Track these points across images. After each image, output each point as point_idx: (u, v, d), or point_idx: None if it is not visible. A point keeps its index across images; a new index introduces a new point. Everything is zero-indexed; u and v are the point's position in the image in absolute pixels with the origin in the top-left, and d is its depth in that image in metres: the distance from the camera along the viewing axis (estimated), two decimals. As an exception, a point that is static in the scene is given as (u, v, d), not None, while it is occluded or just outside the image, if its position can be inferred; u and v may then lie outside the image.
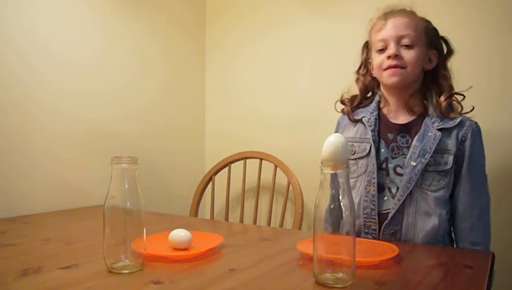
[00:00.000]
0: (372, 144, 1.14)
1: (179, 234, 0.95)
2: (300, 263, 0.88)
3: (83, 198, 1.56)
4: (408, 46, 1.10)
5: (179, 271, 0.84)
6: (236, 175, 1.86)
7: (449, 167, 1.08)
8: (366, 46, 1.24)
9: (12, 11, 1.38)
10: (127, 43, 1.79)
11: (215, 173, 1.90)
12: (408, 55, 1.10)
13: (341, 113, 1.28)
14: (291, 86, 1.92)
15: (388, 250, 0.92)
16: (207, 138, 2.19)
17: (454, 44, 1.18)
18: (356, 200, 1.14)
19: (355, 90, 1.26)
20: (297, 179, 1.71)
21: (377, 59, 1.14)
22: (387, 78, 1.13)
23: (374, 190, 1.12)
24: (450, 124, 1.10)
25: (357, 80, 1.26)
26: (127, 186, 0.82)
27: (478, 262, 0.89)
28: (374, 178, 1.12)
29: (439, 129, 1.09)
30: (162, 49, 1.95)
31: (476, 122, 1.12)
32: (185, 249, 0.94)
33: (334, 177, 0.74)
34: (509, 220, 1.45)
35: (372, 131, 1.15)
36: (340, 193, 0.74)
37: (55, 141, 1.50)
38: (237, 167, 1.87)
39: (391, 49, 1.10)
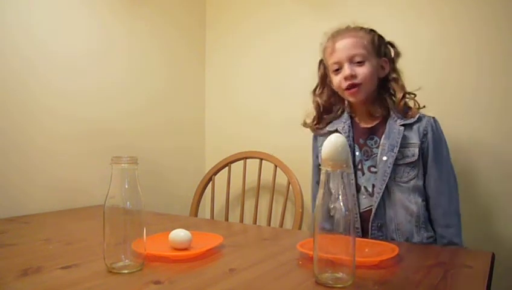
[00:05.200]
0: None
1: (179, 234, 0.95)
2: (300, 263, 0.88)
3: (83, 198, 1.56)
4: (360, 63, 1.20)
5: (179, 271, 0.84)
6: (236, 175, 1.86)
7: (416, 158, 1.18)
8: (322, 63, 1.33)
9: (13, 11, 1.38)
10: (127, 43, 1.79)
11: (215, 173, 1.90)
12: (361, 71, 1.20)
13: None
14: (291, 86, 1.92)
15: (388, 250, 0.92)
16: (207, 137, 2.20)
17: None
18: None
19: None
20: (297, 179, 1.71)
21: (335, 80, 1.25)
22: (348, 97, 1.25)
23: (353, 190, 1.19)
24: (410, 120, 1.20)
25: (313, 101, 1.35)
26: (127, 186, 0.82)
27: (478, 262, 0.89)
28: (352, 179, 1.22)
29: (401, 125, 1.20)
30: (162, 49, 1.95)
31: (433, 117, 1.22)
32: (185, 249, 0.94)
33: (333, 176, 0.74)
34: (509, 220, 1.46)
35: (347, 137, 1.23)
36: (340, 192, 0.74)
37: (55, 140, 1.51)
38: (237, 167, 1.86)
39: (346, 70, 1.20)
